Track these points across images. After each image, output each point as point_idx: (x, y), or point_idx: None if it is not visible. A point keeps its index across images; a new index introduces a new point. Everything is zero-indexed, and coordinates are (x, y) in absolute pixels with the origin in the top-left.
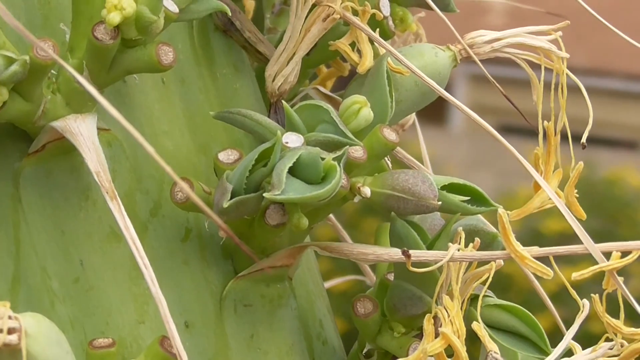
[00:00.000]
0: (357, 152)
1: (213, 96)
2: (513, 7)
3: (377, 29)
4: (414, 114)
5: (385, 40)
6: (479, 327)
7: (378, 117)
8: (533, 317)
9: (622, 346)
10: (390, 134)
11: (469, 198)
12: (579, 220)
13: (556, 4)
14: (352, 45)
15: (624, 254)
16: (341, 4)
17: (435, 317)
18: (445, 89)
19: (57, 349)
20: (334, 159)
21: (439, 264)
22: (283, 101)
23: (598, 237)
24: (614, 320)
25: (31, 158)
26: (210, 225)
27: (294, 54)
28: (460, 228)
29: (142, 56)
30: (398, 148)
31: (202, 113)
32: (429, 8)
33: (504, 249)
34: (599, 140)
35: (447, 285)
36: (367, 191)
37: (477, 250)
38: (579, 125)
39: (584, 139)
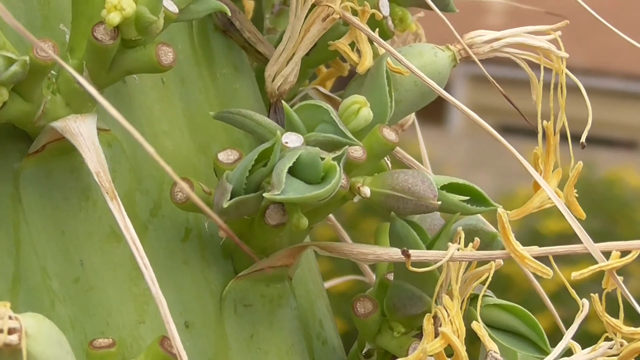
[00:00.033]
0: (357, 152)
1: (213, 96)
2: (512, 7)
3: (377, 29)
4: (414, 114)
5: (384, 40)
6: (478, 326)
7: (377, 117)
8: (533, 316)
9: (621, 345)
10: (389, 134)
11: (468, 198)
12: (579, 220)
13: (555, 4)
14: (352, 45)
15: (624, 253)
16: (340, 4)
17: (435, 317)
18: (445, 89)
19: (57, 349)
20: (333, 158)
21: (438, 264)
22: (283, 101)
23: (597, 237)
24: (613, 319)
25: (31, 158)
26: (210, 225)
27: (294, 54)
28: (460, 228)
29: (142, 56)
30: (397, 148)
31: (202, 113)
32: (429, 8)
33: (503, 248)
34: (598, 141)
35: (446, 285)
36: (366, 191)
37: (477, 250)
38: (578, 125)
39: (583, 139)
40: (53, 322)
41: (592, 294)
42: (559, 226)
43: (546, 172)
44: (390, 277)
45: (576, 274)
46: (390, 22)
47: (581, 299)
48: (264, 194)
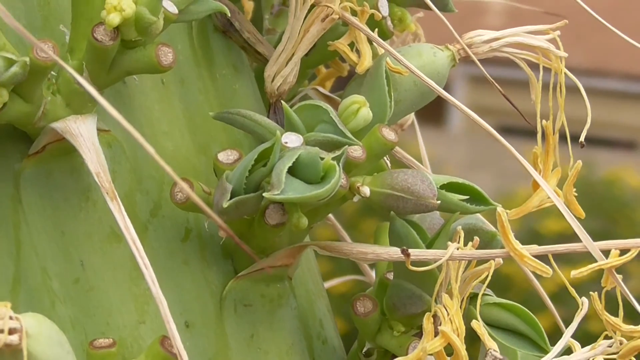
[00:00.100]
0: (356, 151)
1: (212, 97)
2: (512, 7)
3: (376, 29)
4: (413, 114)
5: (383, 40)
6: (478, 325)
7: (377, 117)
8: (532, 315)
9: (621, 344)
10: (389, 134)
11: (468, 197)
12: (578, 219)
13: (555, 4)
14: (351, 45)
15: (623, 252)
16: (340, 4)
17: (435, 316)
18: (445, 90)
19: (58, 349)
20: (333, 158)
21: (438, 263)
22: (282, 101)
23: (597, 237)
24: (613, 317)
25: (31, 159)
26: (210, 225)
27: (293, 54)
28: (460, 227)
29: (141, 57)
30: (397, 148)
31: (202, 113)
32: (428, 8)
33: (503, 247)
34: (598, 141)
35: (446, 284)
36: (366, 190)
37: (476, 249)
38: (578, 125)
39: (582, 138)
40: (53, 323)
41: (591, 292)
42: (558, 226)
43: (545, 171)
44: (390, 276)
45: (575, 272)
46: (389, 22)
47: (581, 298)
48: (263, 194)
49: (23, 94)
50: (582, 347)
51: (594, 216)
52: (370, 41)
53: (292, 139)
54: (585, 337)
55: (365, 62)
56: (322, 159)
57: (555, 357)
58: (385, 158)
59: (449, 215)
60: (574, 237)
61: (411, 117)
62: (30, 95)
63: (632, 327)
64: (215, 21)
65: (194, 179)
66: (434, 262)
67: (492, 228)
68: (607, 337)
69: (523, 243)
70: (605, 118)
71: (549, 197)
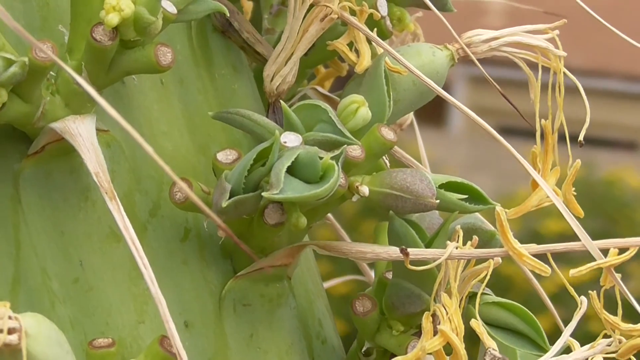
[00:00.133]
0: (355, 151)
1: (212, 96)
2: (512, 7)
3: (375, 29)
4: (413, 115)
5: (383, 40)
6: (477, 324)
7: (376, 117)
8: (531, 314)
9: (620, 343)
10: (388, 133)
11: (467, 196)
12: (578, 219)
13: (555, 4)
14: (350, 45)
15: (622, 251)
16: (339, 4)
17: (434, 315)
18: (445, 90)
19: (57, 349)
20: (332, 158)
21: (437, 262)
22: (281, 101)
23: (597, 238)
24: (612, 316)
25: (30, 159)
26: (209, 225)
27: (292, 54)
28: (459, 226)
29: (140, 57)
30: (396, 147)
31: (201, 113)
32: (427, 8)
33: (502, 247)
34: (598, 141)
35: (445, 283)
36: (365, 190)
37: (475, 248)
38: (577, 126)
39: (581, 137)
40: (53, 322)
41: (590, 291)
42: (558, 226)
43: (544, 171)
44: (389, 275)
45: (574, 271)
46: (388, 22)
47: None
48: (262, 194)
49: (22, 94)
50: (582, 347)
51: (594, 216)
52: (369, 41)
53: (291, 139)
54: (585, 337)
55: (364, 61)
56: (321, 158)
57: (555, 356)
58: (384, 157)
59: (448, 215)
60: (574, 238)
61: (410, 116)
62: (29, 95)
63: (631, 325)
64: (214, 21)
65: (193, 178)
66: (433, 261)
67: (491, 227)
68: (606, 336)
69: (523, 243)
70: (606, 118)
71: (548, 197)
